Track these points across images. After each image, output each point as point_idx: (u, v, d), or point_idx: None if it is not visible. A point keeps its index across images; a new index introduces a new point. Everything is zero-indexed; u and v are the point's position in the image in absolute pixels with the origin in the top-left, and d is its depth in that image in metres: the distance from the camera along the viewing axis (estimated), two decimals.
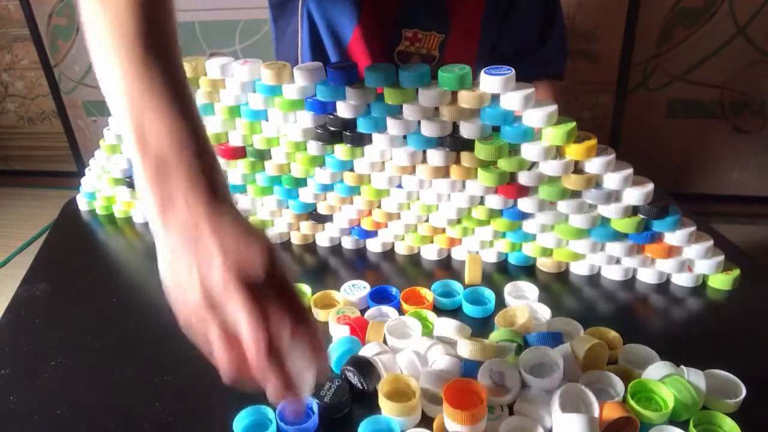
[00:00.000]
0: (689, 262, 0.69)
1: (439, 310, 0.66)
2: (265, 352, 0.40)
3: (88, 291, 0.74)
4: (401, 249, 0.78)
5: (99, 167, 0.87)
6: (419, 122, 0.66)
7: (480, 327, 0.63)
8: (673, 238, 0.66)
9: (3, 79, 2.21)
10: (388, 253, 0.78)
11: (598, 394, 0.50)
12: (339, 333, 0.61)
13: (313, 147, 0.72)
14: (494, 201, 0.69)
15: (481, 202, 0.71)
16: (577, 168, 0.65)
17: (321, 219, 0.79)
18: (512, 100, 0.62)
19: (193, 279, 0.41)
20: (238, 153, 0.76)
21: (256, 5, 1.82)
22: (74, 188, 0.97)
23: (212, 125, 0.75)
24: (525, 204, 0.68)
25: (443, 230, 0.75)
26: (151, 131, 0.43)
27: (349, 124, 0.69)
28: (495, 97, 0.63)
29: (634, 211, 0.66)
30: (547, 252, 0.72)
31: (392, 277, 0.74)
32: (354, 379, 0.54)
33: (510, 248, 0.74)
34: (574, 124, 0.62)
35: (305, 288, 0.69)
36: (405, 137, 0.68)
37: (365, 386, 0.53)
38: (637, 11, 1.68)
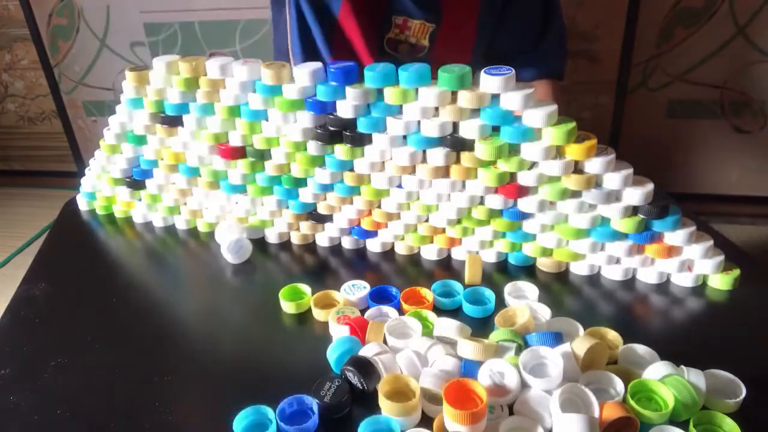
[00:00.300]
0: (689, 262, 0.69)
1: (439, 310, 0.66)
2: None
3: (88, 291, 0.74)
4: (401, 249, 0.78)
5: (99, 167, 0.87)
6: (419, 122, 0.66)
7: (480, 327, 0.63)
8: (673, 238, 0.66)
9: (3, 79, 2.21)
10: (388, 253, 0.78)
11: (598, 394, 0.50)
12: (339, 333, 0.61)
13: (313, 147, 0.72)
14: (494, 201, 0.69)
15: (481, 202, 0.71)
16: (577, 168, 0.65)
17: (321, 219, 0.79)
18: (512, 100, 0.62)
19: None
20: (238, 153, 0.76)
21: (256, 5, 1.82)
22: (74, 188, 0.97)
23: (212, 125, 0.75)
24: (525, 204, 0.68)
25: (443, 230, 0.75)
26: None
27: (349, 124, 0.69)
28: (495, 97, 0.63)
29: (634, 211, 0.66)
30: (547, 252, 0.72)
31: (392, 277, 0.74)
32: (354, 379, 0.54)
33: (510, 248, 0.74)
34: (574, 124, 0.62)
35: (305, 288, 0.69)
36: (405, 137, 0.68)
37: (365, 386, 0.53)
38: (637, 11, 1.68)
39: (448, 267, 0.75)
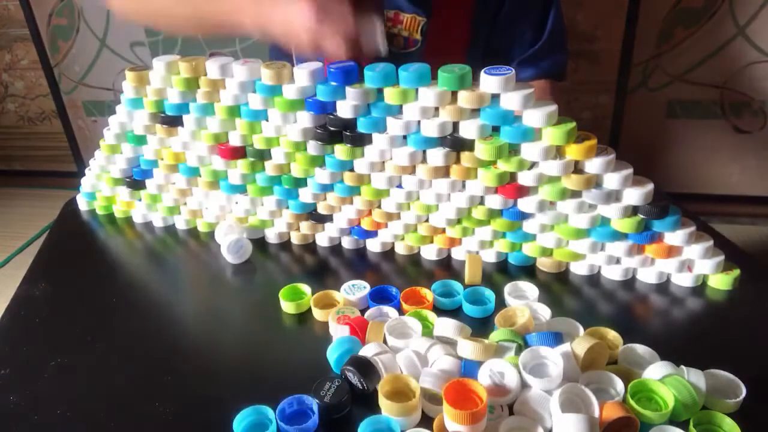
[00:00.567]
0: (689, 262, 0.69)
1: (439, 310, 0.66)
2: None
3: (88, 291, 0.74)
4: (401, 249, 0.78)
5: (99, 167, 0.87)
6: (419, 122, 0.66)
7: (480, 327, 0.63)
8: (673, 238, 0.66)
9: (3, 79, 2.21)
10: (388, 253, 0.78)
11: (598, 394, 0.50)
12: (339, 333, 0.61)
13: (313, 147, 0.72)
14: (494, 201, 0.69)
15: (481, 202, 0.71)
16: (577, 168, 0.65)
17: (321, 219, 0.79)
18: (512, 100, 0.62)
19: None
20: (238, 153, 0.76)
21: None
22: (74, 188, 0.97)
23: (212, 125, 0.75)
24: (525, 204, 0.68)
25: (443, 230, 0.75)
26: None
27: (349, 124, 0.69)
28: (495, 97, 0.63)
29: (634, 211, 0.66)
30: (547, 252, 0.72)
31: (392, 277, 0.74)
32: (354, 379, 0.54)
33: (510, 248, 0.74)
34: (574, 124, 0.62)
35: (305, 288, 0.69)
36: (405, 137, 0.68)
37: (365, 386, 0.53)
38: (637, 11, 1.68)
39: (448, 267, 0.75)
